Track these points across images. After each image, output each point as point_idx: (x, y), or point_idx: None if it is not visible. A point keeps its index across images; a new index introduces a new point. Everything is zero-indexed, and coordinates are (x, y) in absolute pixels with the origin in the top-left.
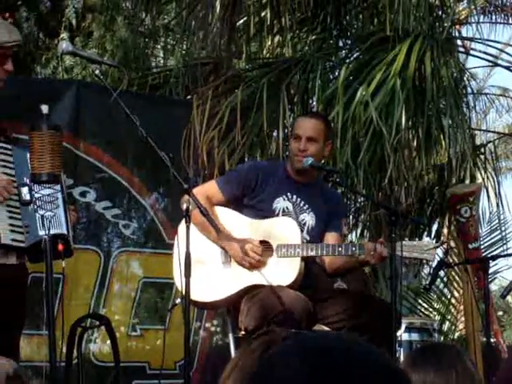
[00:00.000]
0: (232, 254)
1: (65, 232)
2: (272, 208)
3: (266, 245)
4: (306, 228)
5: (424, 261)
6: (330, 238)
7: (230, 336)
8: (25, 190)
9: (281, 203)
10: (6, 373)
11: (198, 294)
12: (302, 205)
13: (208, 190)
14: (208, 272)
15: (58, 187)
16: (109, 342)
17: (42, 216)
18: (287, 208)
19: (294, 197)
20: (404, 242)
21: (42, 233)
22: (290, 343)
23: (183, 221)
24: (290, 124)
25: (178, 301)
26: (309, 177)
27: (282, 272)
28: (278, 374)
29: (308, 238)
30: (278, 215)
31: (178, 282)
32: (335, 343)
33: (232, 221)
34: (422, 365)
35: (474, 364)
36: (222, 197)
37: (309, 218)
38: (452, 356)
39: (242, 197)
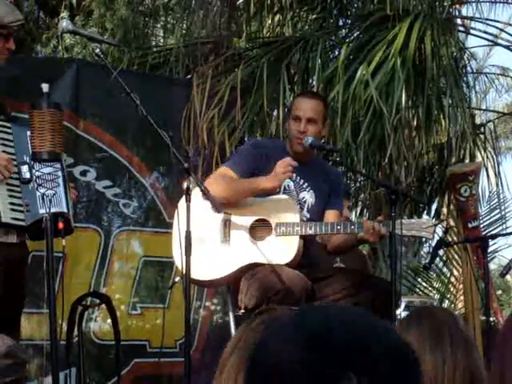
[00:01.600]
0: (268, 182)
1: (65, 210)
2: None
3: (264, 223)
4: (306, 206)
5: (423, 239)
6: (330, 215)
7: (230, 315)
8: (24, 168)
9: None
10: None
11: (197, 272)
12: (301, 183)
13: (221, 173)
14: (207, 250)
15: (58, 165)
16: (109, 320)
17: (43, 194)
18: (288, 186)
19: (294, 175)
20: (402, 221)
21: (42, 211)
22: (290, 317)
23: (183, 198)
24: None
25: (178, 279)
26: (308, 156)
27: (280, 250)
28: (276, 349)
29: (308, 216)
30: (278, 193)
31: (178, 260)
32: (341, 317)
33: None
34: (416, 326)
35: (467, 329)
36: (237, 177)
37: (309, 196)
38: (446, 318)
39: (252, 174)
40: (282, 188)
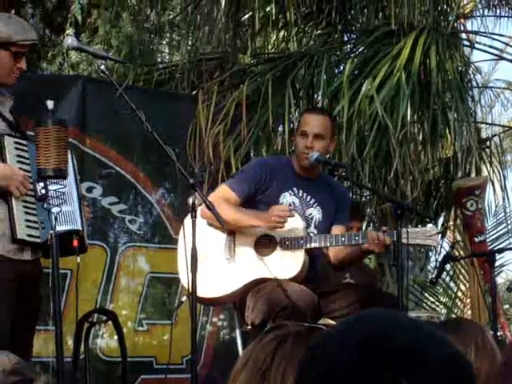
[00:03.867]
0: (260, 221)
1: (80, 228)
2: (279, 203)
3: (269, 238)
4: (313, 222)
5: (429, 250)
6: (336, 230)
7: (237, 331)
8: (40, 185)
9: (287, 198)
10: (2, 368)
11: (203, 290)
12: (308, 199)
13: (222, 194)
14: (212, 268)
15: (73, 182)
16: (116, 337)
17: (59, 212)
18: (294, 203)
19: (301, 192)
20: (407, 229)
21: (58, 228)
22: (346, 320)
23: (188, 216)
24: (296, 118)
25: (185, 298)
26: (314, 171)
27: (286, 265)
28: (331, 352)
29: (315, 232)
30: None
31: (184, 277)
32: (399, 325)
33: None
34: None
35: (495, 343)
36: (237, 198)
37: (316, 213)
38: (473, 330)
39: (254, 195)
40: (287, 205)
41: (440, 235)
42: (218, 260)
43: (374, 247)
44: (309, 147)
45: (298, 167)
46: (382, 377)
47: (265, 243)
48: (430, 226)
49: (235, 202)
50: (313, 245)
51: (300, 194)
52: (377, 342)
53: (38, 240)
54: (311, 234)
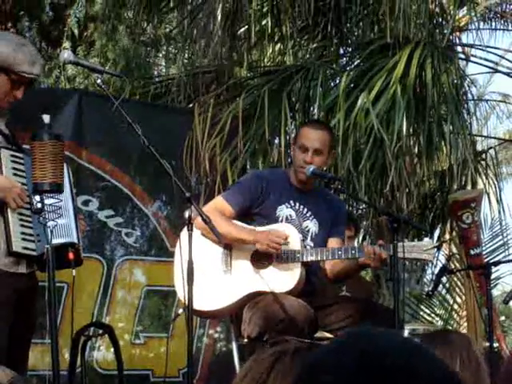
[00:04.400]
0: (255, 238)
1: (75, 241)
2: (275, 216)
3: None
4: (309, 235)
5: (425, 264)
6: (333, 243)
7: (234, 344)
8: (36, 198)
9: (284, 211)
10: None
11: (199, 303)
12: (305, 212)
13: (217, 206)
14: (208, 281)
15: (68, 195)
16: (112, 349)
17: (55, 225)
18: (290, 216)
19: (297, 204)
20: (403, 244)
21: (53, 241)
22: (340, 338)
23: (185, 229)
24: (292, 131)
25: (181, 311)
26: (310, 184)
27: (282, 278)
28: (325, 370)
29: (312, 245)
30: (280, 222)
31: (180, 290)
32: (393, 343)
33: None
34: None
35: (482, 354)
36: (232, 210)
37: (312, 225)
38: (460, 342)
39: (249, 208)
40: (284, 217)
41: (436, 249)
42: (214, 273)
43: (370, 262)
44: (309, 162)
45: (294, 180)
46: None
47: (261, 256)
48: (426, 239)
49: (230, 214)
50: (309, 258)
51: (297, 207)
52: (371, 360)
53: (34, 253)
54: (307, 247)
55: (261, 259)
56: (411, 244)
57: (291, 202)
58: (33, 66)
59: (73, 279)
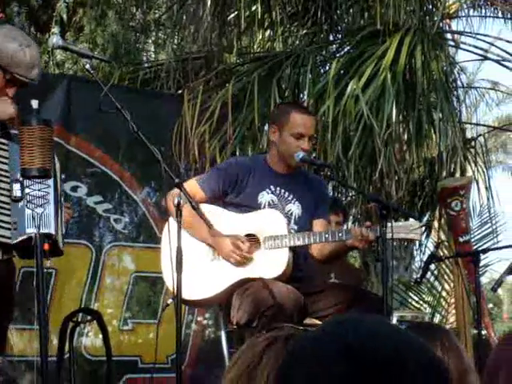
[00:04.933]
0: (219, 250)
1: (52, 232)
2: (257, 202)
3: (252, 238)
4: (292, 218)
5: (411, 241)
6: (318, 224)
7: (222, 331)
8: (16, 186)
9: (265, 197)
10: None
11: (188, 292)
12: (286, 196)
13: (189, 189)
14: (196, 270)
15: (50, 183)
16: (101, 336)
17: (32, 213)
18: (272, 201)
19: (278, 189)
20: (402, 223)
21: (29, 230)
22: (324, 326)
23: (171, 217)
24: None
25: (170, 301)
26: (291, 168)
27: (270, 264)
28: (309, 360)
29: (296, 228)
30: (264, 209)
31: (168, 279)
32: (378, 330)
33: (217, 217)
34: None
35: (463, 348)
36: (204, 195)
37: (295, 208)
38: (439, 332)
39: (223, 194)
40: (266, 204)
41: (423, 228)
42: (202, 262)
43: (358, 243)
44: (307, 149)
45: (275, 165)
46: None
47: (249, 248)
48: (412, 219)
49: (201, 198)
50: (297, 243)
51: (278, 192)
52: (357, 350)
53: (9, 241)
54: (292, 231)
55: (248, 252)
56: (398, 224)
57: (272, 187)
58: (30, 71)
59: (47, 269)
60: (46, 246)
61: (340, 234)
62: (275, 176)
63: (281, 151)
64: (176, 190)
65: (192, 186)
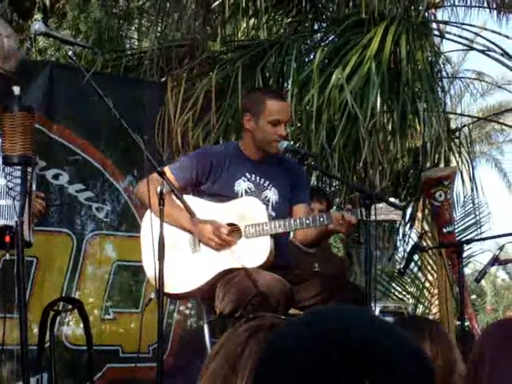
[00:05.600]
0: (199, 235)
1: (12, 224)
2: (234, 191)
3: (233, 227)
4: (270, 204)
5: (392, 222)
6: (298, 209)
7: (205, 320)
8: None
9: (241, 185)
10: None
11: (171, 286)
12: (262, 182)
13: (158, 178)
14: (178, 262)
15: (18, 175)
16: (82, 325)
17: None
18: (249, 189)
19: (253, 176)
20: (380, 205)
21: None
22: (304, 316)
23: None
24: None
25: (153, 296)
26: (266, 154)
27: (252, 253)
28: (289, 348)
29: (274, 215)
30: (241, 197)
31: (149, 270)
32: (359, 321)
33: (195, 207)
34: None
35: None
36: (177, 184)
37: (271, 194)
38: (427, 323)
39: (196, 183)
40: (243, 191)
41: (402, 210)
42: (183, 254)
43: (339, 227)
44: (284, 136)
45: (249, 152)
46: (343, 377)
47: (229, 232)
48: (392, 199)
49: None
50: (278, 230)
51: (253, 179)
52: (336, 341)
53: None
54: (270, 217)
55: (229, 236)
56: (378, 206)
57: (247, 174)
58: (6, 61)
59: (3, 262)
60: (7, 239)
61: (321, 219)
62: (250, 163)
63: (258, 139)
64: (148, 179)
65: (166, 173)
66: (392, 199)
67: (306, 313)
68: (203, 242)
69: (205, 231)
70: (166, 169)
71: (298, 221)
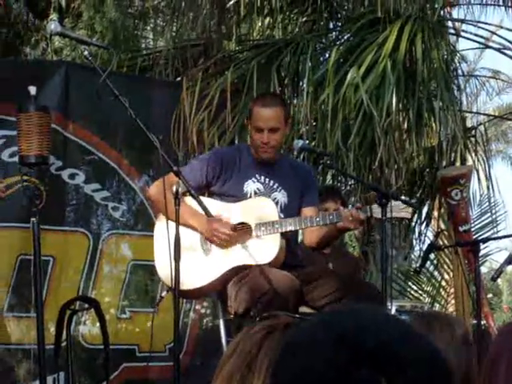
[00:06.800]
0: (203, 231)
1: None
2: (243, 192)
3: (244, 226)
4: (278, 206)
5: (403, 219)
6: (308, 212)
7: (221, 320)
8: None
9: (251, 186)
10: None
11: (182, 282)
12: (271, 184)
13: (172, 180)
14: (189, 260)
15: None
16: (98, 324)
17: None
18: (258, 189)
19: (263, 177)
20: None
21: None
22: (319, 316)
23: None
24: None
25: (165, 293)
26: (274, 156)
27: (263, 250)
28: (304, 349)
29: (282, 216)
30: (249, 196)
31: (161, 269)
32: (373, 319)
33: (207, 206)
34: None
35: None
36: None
37: (280, 196)
38: (448, 320)
39: (206, 185)
40: (252, 192)
41: (417, 208)
42: (194, 252)
43: (349, 224)
44: (265, 143)
45: (256, 155)
46: (359, 376)
47: (240, 231)
48: (402, 198)
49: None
50: (288, 228)
51: (263, 180)
52: (352, 340)
53: None
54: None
55: (240, 234)
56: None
57: (257, 175)
58: None
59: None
60: None
61: (331, 217)
62: (260, 165)
63: (251, 144)
64: (164, 179)
65: (175, 176)
66: (403, 198)
67: (322, 312)
68: (206, 237)
69: (208, 228)
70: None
71: (308, 219)
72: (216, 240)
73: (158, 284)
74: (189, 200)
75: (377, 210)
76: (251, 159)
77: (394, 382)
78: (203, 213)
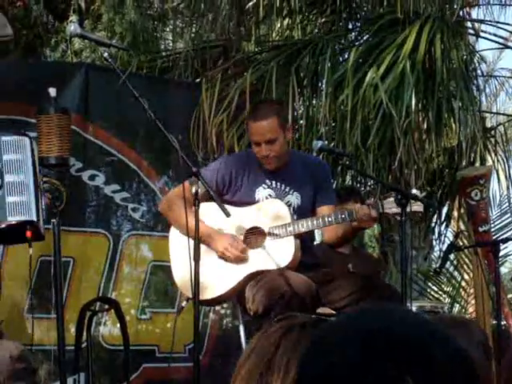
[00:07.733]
0: (214, 247)
1: (34, 219)
2: (255, 199)
3: (257, 230)
4: (291, 209)
5: (414, 213)
6: (323, 211)
7: (240, 320)
8: None
9: (262, 192)
10: (10, 354)
11: (200, 292)
12: (283, 188)
13: (183, 191)
14: (206, 269)
15: (30, 171)
16: (118, 325)
17: (14, 201)
18: (270, 195)
19: (273, 182)
20: (390, 199)
21: (10, 218)
22: (348, 315)
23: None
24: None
25: (185, 303)
26: (284, 161)
27: (278, 254)
28: (332, 348)
29: (295, 218)
30: (260, 200)
31: (177, 276)
32: (400, 317)
33: (218, 211)
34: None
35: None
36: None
37: (293, 199)
38: (466, 325)
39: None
40: (264, 199)
41: (433, 206)
42: (210, 260)
43: (363, 223)
44: (266, 155)
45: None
46: (386, 373)
47: (254, 235)
48: (413, 191)
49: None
50: (301, 229)
51: (274, 185)
52: (379, 338)
53: None
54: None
55: (254, 239)
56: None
57: (267, 181)
58: (3, 29)
59: (30, 258)
60: (29, 234)
61: (343, 216)
62: (269, 170)
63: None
64: (183, 185)
65: (187, 188)
66: (414, 190)
67: (350, 311)
68: (219, 253)
69: (221, 244)
70: (187, 183)
71: (320, 219)
72: (229, 258)
73: None
74: (203, 207)
75: (387, 206)
76: (260, 165)
77: (420, 382)
78: (215, 222)
